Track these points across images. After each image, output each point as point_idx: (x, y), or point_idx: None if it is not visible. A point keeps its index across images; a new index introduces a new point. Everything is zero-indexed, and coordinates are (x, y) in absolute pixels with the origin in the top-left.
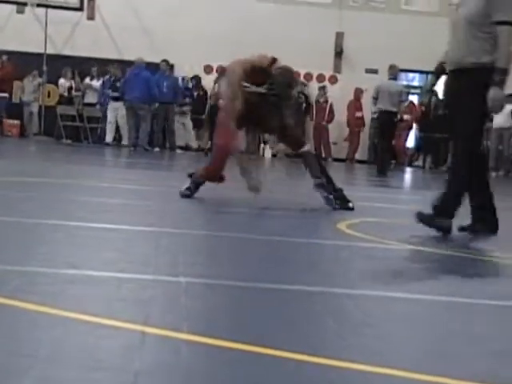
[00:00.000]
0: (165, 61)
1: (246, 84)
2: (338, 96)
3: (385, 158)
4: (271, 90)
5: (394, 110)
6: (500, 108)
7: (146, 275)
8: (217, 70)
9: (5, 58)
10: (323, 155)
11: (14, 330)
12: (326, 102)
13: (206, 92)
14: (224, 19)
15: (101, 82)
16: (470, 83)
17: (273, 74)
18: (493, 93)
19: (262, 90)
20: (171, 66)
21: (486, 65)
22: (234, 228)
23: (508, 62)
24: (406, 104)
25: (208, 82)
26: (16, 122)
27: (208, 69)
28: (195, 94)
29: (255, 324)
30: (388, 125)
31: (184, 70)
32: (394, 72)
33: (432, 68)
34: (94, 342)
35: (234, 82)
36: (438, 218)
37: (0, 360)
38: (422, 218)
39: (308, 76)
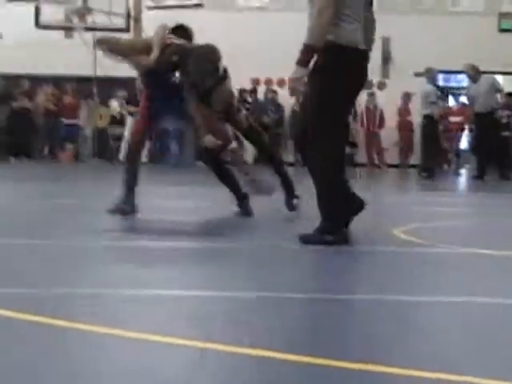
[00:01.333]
0: None
1: None
2: (387, 101)
3: (428, 162)
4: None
5: (427, 112)
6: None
7: (206, 292)
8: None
9: (73, 85)
10: (376, 162)
11: (79, 351)
12: (376, 108)
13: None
14: (269, 33)
15: None
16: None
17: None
18: (293, 72)
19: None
20: None
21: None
22: (290, 239)
23: (317, 37)
24: (445, 105)
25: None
26: (70, 146)
27: (256, 82)
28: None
29: (318, 336)
30: (427, 128)
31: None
32: (431, 75)
33: (482, 68)
34: (158, 360)
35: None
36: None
37: (66, 382)
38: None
39: None
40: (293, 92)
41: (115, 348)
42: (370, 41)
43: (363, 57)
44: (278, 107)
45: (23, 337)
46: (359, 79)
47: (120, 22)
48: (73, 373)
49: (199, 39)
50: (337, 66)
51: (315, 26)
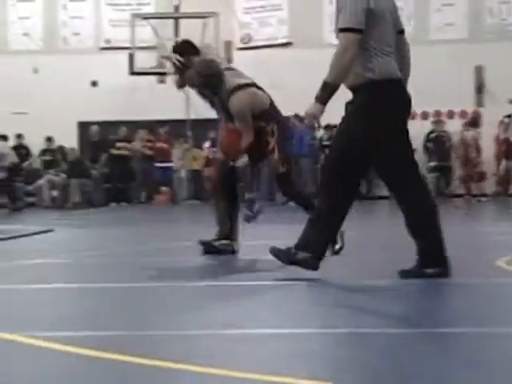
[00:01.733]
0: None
1: None
2: (483, 130)
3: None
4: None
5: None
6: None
7: (304, 329)
8: None
9: (166, 129)
10: (474, 191)
11: None
12: (472, 137)
13: None
14: None
15: None
16: None
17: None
18: (310, 107)
19: None
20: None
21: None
22: (383, 274)
23: (336, 76)
24: None
25: None
26: (165, 188)
27: None
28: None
29: (423, 371)
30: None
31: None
32: None
33: None
34: None
35: None
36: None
37: None
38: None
39: (450, 114)
40: (310, 126)
41: None
42: (406, 69)
43: (400, 85)
44: None
45: (133, 379)
46: (402, 108)
47: None
48: None
49: (290, 76)
50: (379, 102)
51: (335, 65)
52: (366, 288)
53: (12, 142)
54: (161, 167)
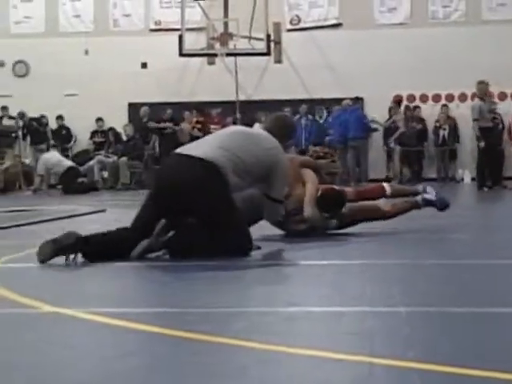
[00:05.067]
0: (357, 98)
1: None
2: None
3: None
4: None
5: None
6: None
7: (364, 307)
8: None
9: (218, 110)
10: None
11: (244, 369)
12: None
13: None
14: (405, 48)
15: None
16: None
17: None
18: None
19: None
20: (361, 100)
21: None
22: (440, 255)
23: None
24: None
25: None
26: None
27: (399, 98)
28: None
29: (483, 349)
30: None
31: (373, 103)
32: None
33: None
34: (324, 375)
35: None
36: None
37: None
38: None
39: (501, 95)
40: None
41: (283, 364)
42: None
43: None
44: (421, 122)
45: (198, 356)
46: None
47: (261, 46)
48: None
49: (339, 57)
50: None
51: None
52: (428, 267)
53: (54, 125)
54: None
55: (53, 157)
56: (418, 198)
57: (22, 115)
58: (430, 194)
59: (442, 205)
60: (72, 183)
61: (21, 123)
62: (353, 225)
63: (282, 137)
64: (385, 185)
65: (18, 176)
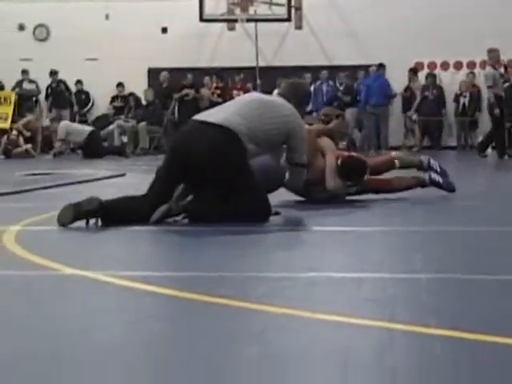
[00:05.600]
0: (381, 65)
1: None
2: None
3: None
4: None
5: None
6: None
7: (384, 274)
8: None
9: (241, 76)
10: None
11: (263, 334)
12: None
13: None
14: (427, 14)
15: (311, 88)
16: None
17: None
18: None
19: None
20: (383, 67)
21: None
22: (461, 222)
23: None
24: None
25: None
26: None
27: (420, 66)
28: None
29: (503, 316)
30: None
31: (395, 69)
32: None
33: None
34: (345, 341)
35: None
36: None
37: (254, 364)
38: None
39: None
40: None
41: (302, 330)
42: None
43: None
44: (440, 90)
45: (219, 320)
46: None
47: (281, 12)
48: (267, 354)
49: (360, 25)
50: None
51: None
52: (449, 234)
53: (73, 89)
54: None
55: (69, 127)
56: (426, 176)
57: (53, 72)
58: (437, 174)
59: (448, 189)
60: (95, 147)
61: (49, 82)
62: (371, 192)
63: (298, 103)
64: (394, 157)
65: (37, 132)
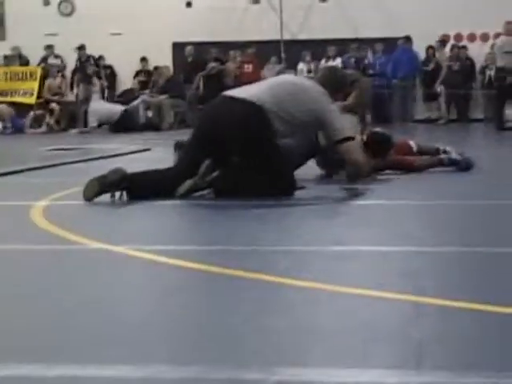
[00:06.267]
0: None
1: None
2: None
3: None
4: None
5: None
6: None
7: (411, 247)
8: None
9: (253, 50)
10: None
11: (291, 307)
12: None
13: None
14: None
15: (338, 61)
16: None
17: None
18: None
19: None
20: (410, 40)
21: None
22: (491, 196)
23: None
24: None
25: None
26: None
27: (447, 38)
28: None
29: None
30: None
31: (421, 41)
32: None
33: None
34: (371, 314)
35: None
36: None
37: (283, 336)
38: None
39: None
40: None
41: (330, 303)
42: None
43: None
44: (468, 62)
45: (246, 293)
46: None
47: None
48: (289, 327)
49: None
50: None
51: None
52: (478, 207)
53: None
54: None
55: (101, 107)
56: (444, 156)
57: (81, 47)
58: (454, 154)
59: (467, 164)
60: (129, 123)
61: (75, 56)
62: (395, 170)
63: (333, 91)
64: (411, 143)
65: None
